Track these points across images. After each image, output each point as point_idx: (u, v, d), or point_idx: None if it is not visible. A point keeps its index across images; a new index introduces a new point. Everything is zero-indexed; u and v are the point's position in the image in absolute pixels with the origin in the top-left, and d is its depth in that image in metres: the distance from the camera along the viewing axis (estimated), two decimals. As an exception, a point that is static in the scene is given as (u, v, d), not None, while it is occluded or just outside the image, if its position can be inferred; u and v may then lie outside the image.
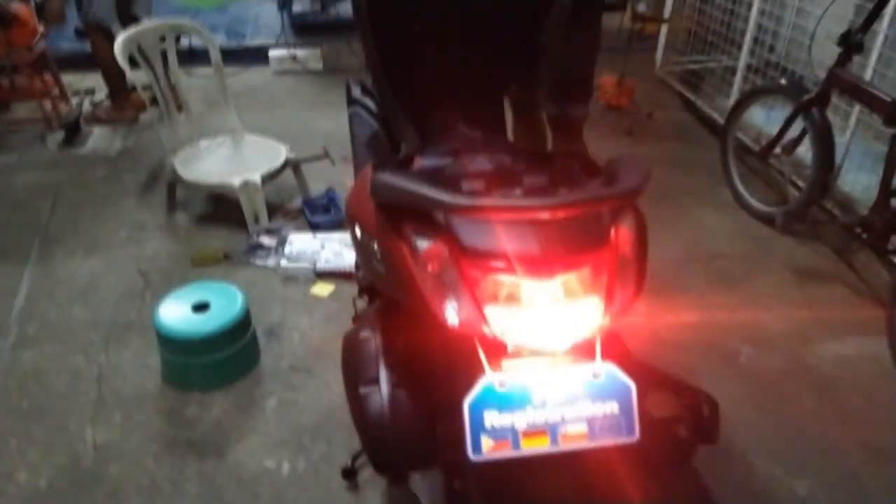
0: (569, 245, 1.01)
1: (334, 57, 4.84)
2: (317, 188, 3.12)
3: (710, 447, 1.20)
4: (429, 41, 1.64)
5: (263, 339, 2.27)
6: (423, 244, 1.04)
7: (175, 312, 2.05)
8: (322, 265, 2.60)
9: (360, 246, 1.32)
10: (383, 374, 1.24)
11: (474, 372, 1.05)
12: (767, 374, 2.18)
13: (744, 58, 3.65)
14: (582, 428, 1.03)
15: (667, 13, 4.27)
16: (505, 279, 1.00)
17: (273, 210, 2.98)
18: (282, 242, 2.75)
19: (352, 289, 2.47)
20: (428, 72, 1.69)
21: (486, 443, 1.01)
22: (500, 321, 1.00)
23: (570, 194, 0.93)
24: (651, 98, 4.19)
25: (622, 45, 3.93)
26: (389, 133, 2.12)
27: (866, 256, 2.62)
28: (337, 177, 3.17)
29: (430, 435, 1.12)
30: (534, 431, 1.02)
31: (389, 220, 1.11)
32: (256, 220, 2.84)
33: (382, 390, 1.21)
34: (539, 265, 0.98)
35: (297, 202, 3.07)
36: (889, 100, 2.25)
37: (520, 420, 1.01)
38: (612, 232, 1.05)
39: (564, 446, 1.02)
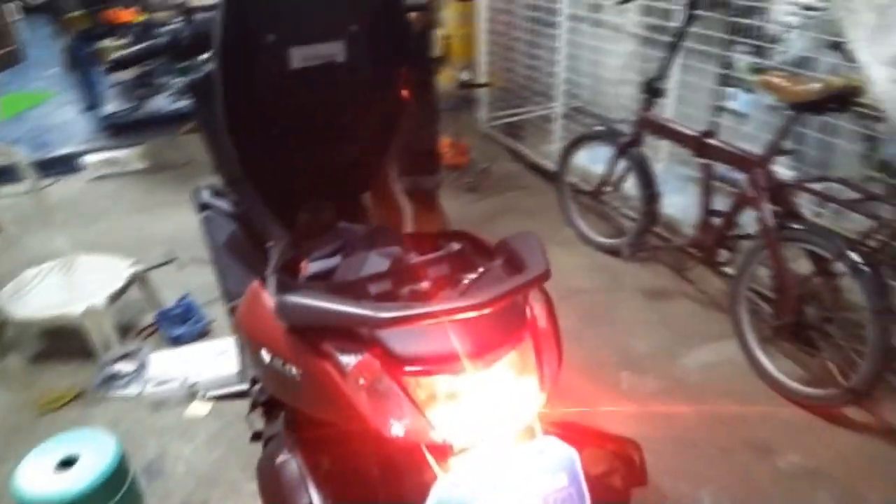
0: (497, 332, 1.03)
1: (157, 153, 4.60)
2: (168, 298, 2.91)
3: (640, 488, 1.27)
4: (290, 132, 1.62)
5: (144, 479, 2.04)
6: (349, 360, 1.01)
7: (36, 476, 1.77)
8: (196, 383, 2.41)
9: (264, 367, 1.25)
10: (316, 499, 1.17)
11: (421, 479, 1.02)
12: (648, 396, 2.35)
13: (559, 107, 4.01)
14: (539, 509, 1.03)
15: (482, 76, 4.60)
16: (442, 379, 0.99)
17: (124, 332, 2.73)
18: (142, 366, 2.51)
19: (233, 404, 2.33)
20: (290, 165, 1.66)
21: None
22: (445, 422, 0.99)
23: (495, 288, 0.96)
24: (482, 153, 4.43)
25: (448, 106, 4.16)
26: (251, 233, 2.04)
27: (701, 271, 2.94)
28: (187, 281, 2.99)
29: None
30: (494, 526, 1.01)
31: (305, 342, 1.06)
32: (107, 347, 2.57)
33: None
34: (474, 357, 0.99)
35: (149, 318, 2.83)
36: (694, 134, 2.58)
37: (476, 517, 1.00)
38: (528, 311, 1.09)
39: (525, 532, 1.02)
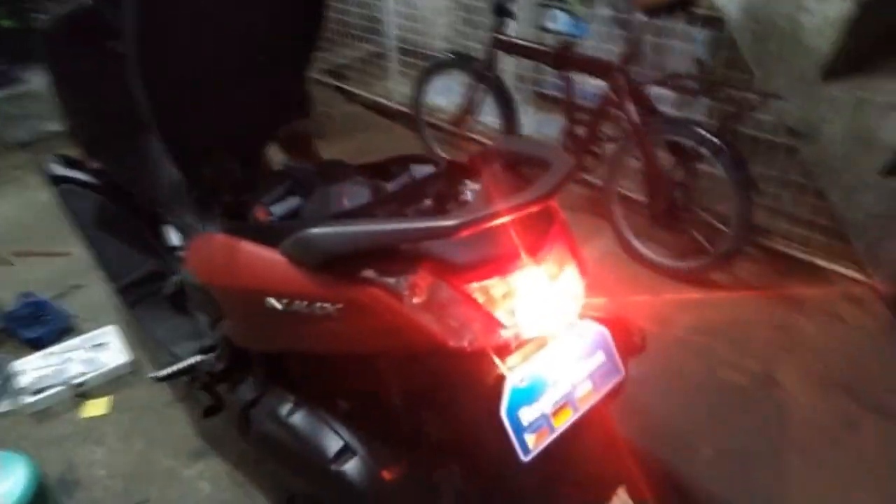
0: (537, 229, 1.04)
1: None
2: (2, 300, 2.48)
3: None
4: (203, 72, 1.44)
5: (63, 497, 1.78)
6: (398, 281, 0.96)
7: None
8: (84, 382, 2.11)
9: (272, 316, 1.12)
10: (352, 440, 1.12)
11: (470, 390, 1.02)
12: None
13: (392, 42, 3.96)
14: (588, 386, 1.09)
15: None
16: (499, 280, 0.98)
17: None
18: (6, 378, 2.14)
19: (134, 390, 2.10)
20: (201, 112, 1.49)
21: (531, 439, 1.00)
22: (510, 321, 0.98)
23: (542, 185, 0.95)
24: (318, 100, 4.25)
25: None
26: (121, 203, 1.83)
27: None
28: (18, 278, 2.58)
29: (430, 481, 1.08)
30: (559, 408, 1.04)
31: (340, 275, 0.99)
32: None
33: (361, 456, 1.10)
34: (526, 255, 0.99)
35: (-8, 325, 2.39)
36: (551, 50, 2.71)
37: (546, 404, 1.03)
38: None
39: (582, 408, 1.07)
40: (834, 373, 2.17)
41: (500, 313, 0.98)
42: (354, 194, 1.23)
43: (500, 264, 0.98)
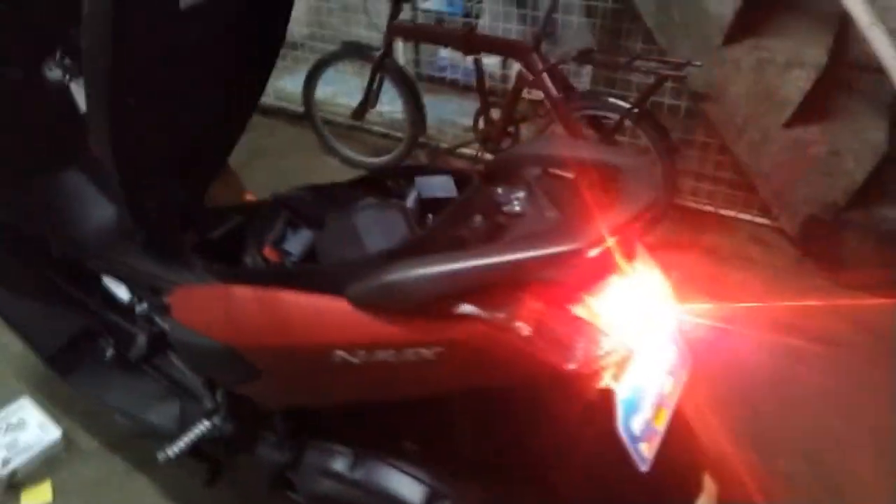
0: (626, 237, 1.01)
1: None
2: None
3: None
4: (170, 90, 1.25)
5: None
6: (506, 312, 0.89)
7: None
8: (14, 469, 1.80)
9: (339, 370, 0.99)
10: (436, 483, 1.05)
11: (577, 409, 0.99)
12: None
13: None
14: (671, 381, 1.09)
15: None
16: (596, 294, 0.94)
17: None
18: None
19: (77, 467, 1.84)
20: (159, 133, 1.30)
21: (644, 448, 0.99)
22: (613, 333, 0.95)
23: (647, 190, 0.92)
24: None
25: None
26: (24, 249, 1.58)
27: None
28: None
29: None
30: (657, 411, 1.03)
31: (432, 316, 0.90)
32: None
33: (452, 498, 1.04)
34: (623, 262, 0.96)
35: None
36: (460, 32, 2.67)
37: (647, 409, 1.01)
38: None
39: (671, 405, 1.07)
40: (765, 311, 2.38)
41: (602, 326, 0.95)
42: (390, 225, 1.12)
43: (597, 276, 0.94)
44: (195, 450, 1.36)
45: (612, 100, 2.42)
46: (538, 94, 2.65)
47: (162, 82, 1.18)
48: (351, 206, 1.20)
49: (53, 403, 1.98)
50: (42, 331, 1.68)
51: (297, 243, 1.19)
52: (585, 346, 0.92)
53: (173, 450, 1.28)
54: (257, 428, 1.29)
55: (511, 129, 2.80)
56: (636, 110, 2.34)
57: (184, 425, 1.37)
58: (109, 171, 1.29)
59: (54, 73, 1.45)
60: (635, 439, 0.97)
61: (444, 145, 3.21)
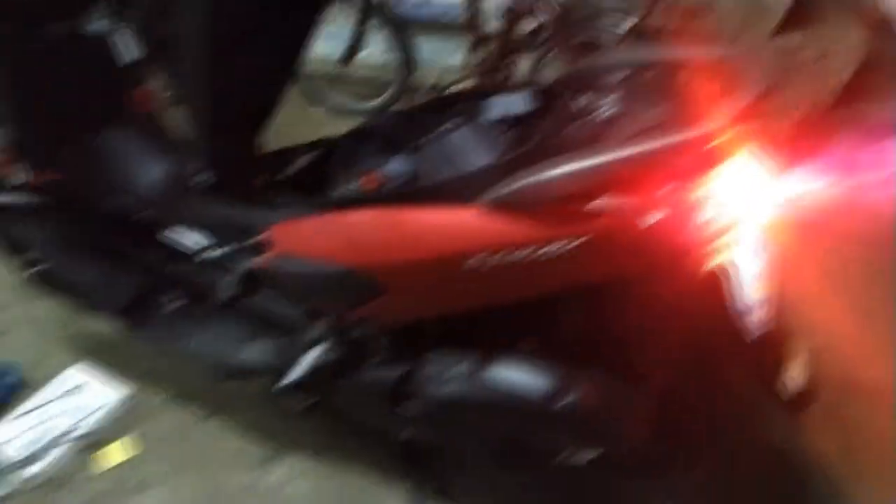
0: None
1: None
2: None
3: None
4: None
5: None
6: (639, 200, 0.97)
7: None
8: (89, 432, 1.82)
9: (467, 277, 1.07)
10: (565, 374, 1.15)
11: (695, 286, 1.09)
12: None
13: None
14: (774, 256, 1.19)
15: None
16: (713, 173, 1.02)
17: None
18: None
19: (151, 420, 1.87)
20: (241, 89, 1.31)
21: (753, 319, 1.10)
22: (729, 208, 1.03)
23: (761, 75, 0.99)
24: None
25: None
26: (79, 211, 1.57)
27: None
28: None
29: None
30: (763, 284, 1.14)
31: (577, 208, 0.98)
32: None
33: (582, 386, 1.14)
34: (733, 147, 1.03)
35: None
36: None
37: (755, 284, 1.12)
38: None
39: (775, 278, 1.18)
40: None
41: (718, 207, 1.03)
42: (478, 138, 1.18)
43: (714, 161, 1.01)
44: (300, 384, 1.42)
45: (609, 23, 2.48)
46: (530, 25, 2.69)
47: (254, 19, 1.19)
48: (440, 129, 1.25)
49: (109, 369, 1.99)
50: (104, 291, 1.69)
51: (394, 168, 1.24)
52: (705, 227, 1.01)
53: (290, 379, 1.33)
54: (364, 351, 1.35)
55: (508, 61, 2.85)
56: (635, 32, 2.42)
57: (284, 359, 1.42)
58: (189, 118, 1.30)
59: (97, 26, 1.42)
60: (745, 312, 1.08)
61: (436, 83, 3.22)
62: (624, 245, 0.99)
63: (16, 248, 1.70)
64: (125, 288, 1.70)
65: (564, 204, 0.98)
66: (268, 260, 1.30)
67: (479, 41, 2.84)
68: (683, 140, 0.94)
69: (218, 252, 1.49)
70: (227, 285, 1.45)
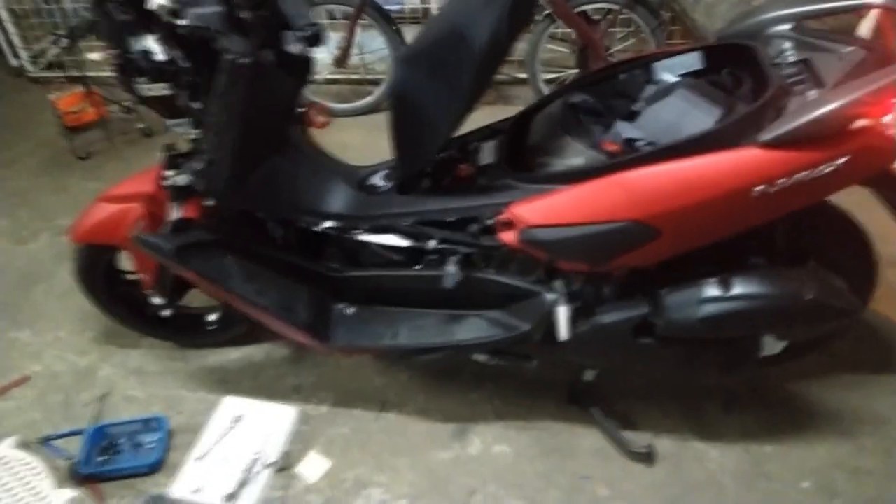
0: None
1: None
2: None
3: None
4: None
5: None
6: (885, 118, 1.25)
7: None
8: (281, 453, 1.84)
9: (745, 206, 1.31)
10: (807, 273, 1.47)
11: None
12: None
13: None
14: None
15: None
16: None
17: None
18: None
19: (336, 427, 1.94)
20: None
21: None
22: None
23: None
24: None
25: None
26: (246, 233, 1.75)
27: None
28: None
29: None
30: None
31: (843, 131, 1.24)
32: None
33: (820, 279, 1.46)
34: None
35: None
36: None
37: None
38: None
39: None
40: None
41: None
42: (699, 95, 1.41)
43: None
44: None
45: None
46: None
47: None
48: (643, 95, 1.47)
49: (254, 394, 2.01)
50: (290, 305, 1.73)
51: (624, 134, 1.44)
52: None
53: (562, 332, 1.48)
54: (604, 296, 1.54)
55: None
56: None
57: (531, 322, 1.57)
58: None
59: (295, 47, 1.47)
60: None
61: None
62: (880, 152, 1.28)
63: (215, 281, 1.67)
64: (305, 304, 1.75)
65: (836, 130, 1.24)
66: (517, 236, 1.45)
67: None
68: None
69: (430, 244, 1.60)
70: (449, 273, 1.57)
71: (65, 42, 2.98)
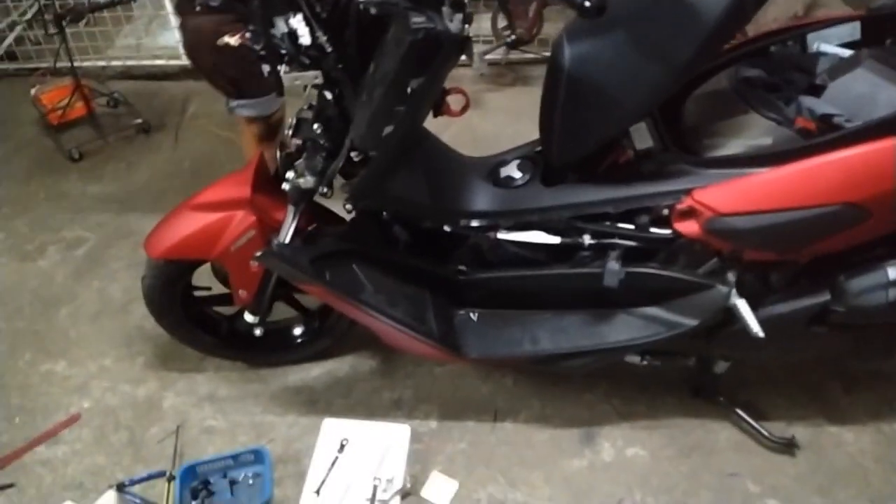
0: None
1: None
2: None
3: None
4: None
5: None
6: None
7: None
8: (400, 470, 1.67)
9: None
10: None
11: None
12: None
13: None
14: None
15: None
16: None
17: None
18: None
19: (455, 441, 1.80)
20: None
21: None
22: None
23: None
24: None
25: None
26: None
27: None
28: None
29: None
30: None
31: None
32: None
33: None
34: None
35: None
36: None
37: None
38: None
39: None
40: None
41: None
42: (887, 67, 1.32)
43: None
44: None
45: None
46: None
47: None
48: (836, 65, 1.38)
49: (351, 415, 1.82)
50: (424, 320, 1.56)
51: (817, 107, 1.34)
52: None
53: (754, 327, 1.37)
54: (780, 285, 1.45)
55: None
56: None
57: (700, 317, 1.45)
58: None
59: (454, 26, 1.29)
60: None
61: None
62: None
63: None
64: (433, 312, 1.59)
65: None
66: (701, 226, 1.33)
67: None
68: None
69: (590, 240, 1.47)
70: (611, 270, 1.44)
71: (52, 28, 2.61)
